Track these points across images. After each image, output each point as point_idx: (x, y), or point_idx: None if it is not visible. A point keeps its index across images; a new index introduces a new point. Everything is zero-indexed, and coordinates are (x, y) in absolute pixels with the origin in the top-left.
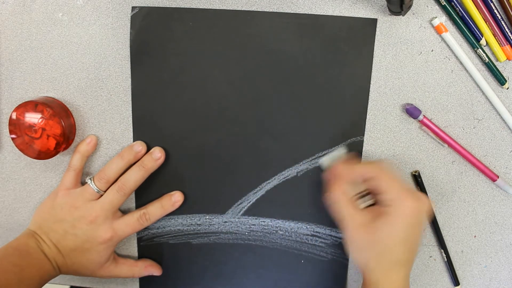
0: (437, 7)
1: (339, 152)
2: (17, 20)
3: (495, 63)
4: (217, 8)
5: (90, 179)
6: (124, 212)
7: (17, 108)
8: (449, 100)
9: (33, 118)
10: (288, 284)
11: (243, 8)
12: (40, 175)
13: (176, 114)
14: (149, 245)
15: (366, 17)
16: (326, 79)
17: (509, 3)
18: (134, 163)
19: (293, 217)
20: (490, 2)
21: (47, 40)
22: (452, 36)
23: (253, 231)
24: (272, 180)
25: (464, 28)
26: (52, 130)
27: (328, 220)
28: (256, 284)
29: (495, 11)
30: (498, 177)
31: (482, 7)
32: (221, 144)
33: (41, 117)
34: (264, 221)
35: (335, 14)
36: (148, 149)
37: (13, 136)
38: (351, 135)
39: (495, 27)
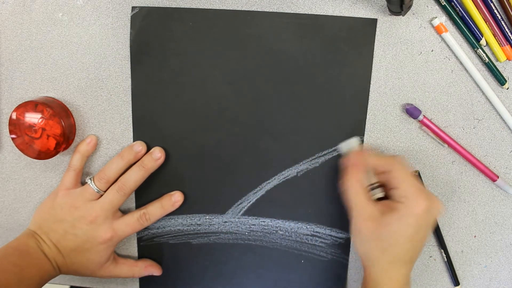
0: (437, 7)
1: (356, 140)
2: (17, 20)
3: (495, 63)
4: (217, 8)
5: (90, 179)
6: (124, 212)
7: (17, 108)
8: (449, 100)
9: (33, 118)
10: (288, 284)
11: (243, 8)
12: (40, 175)
13: (176, 114)
14: (149, 245)
15: (366, 17)
16: (326, 79)
17: (509, 3)
18: (134, 163)
19: (293, 217)
20: (490, 2)
21: (47, 40)
22: (452, 36)
23: (253, 231)
24: (272, 180)
25: (464, 28)
26: (52, 130)
27: (328, 220)
28: (256, 284)
29: (495, 11)
30: (498, 177)
31: (482, 7)
32: (221, 144)
33: (41, 117)
34: (264, 221)
35: (335, 14)
36: (148, 149)
37: (13, 136)
38: (351, 135)
39: (495, 27)
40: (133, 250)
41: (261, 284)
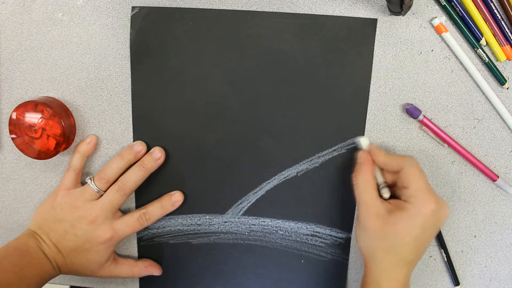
0: (437, 7)
1: (366, 139)
2: (17, 20)
3: (495, 63)
4: (217, 8)
5: (90, 179)
6: (124, 212)
7: (17, 108)
8: (449, 100)
9: (33, 118)
10: (288, 284)
11: (243, 8)
12: (40, 175)
13: (176, 114)
14: (149, 245)
15: (366, 17)
16: (326, 79)
17: (509, 3)
18: (134, 163)
19: (293, 217)
20: (490, 2)
21: (47, 40)
22: (452, 36)
23: (253, 231)
24: (272, 180)
25: (464, 28)
26: (52, 130)
27: (328, 220)
28: (256, 284)
29: (495, 11)
30: (498, 177)
31: (482, 7)
32: (221, 144)
33: (41, 117)
34: (264, 221)
35: (335, 14)
36: (148, 149)
37: (13, 136)
38: (351, 135)
39: (495, 27)
40: (133, 250)
41: (261, 284)
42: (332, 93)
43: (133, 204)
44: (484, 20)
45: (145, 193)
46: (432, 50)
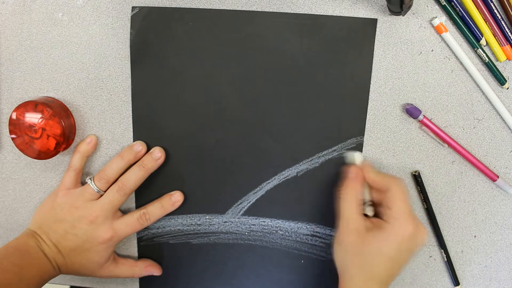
0: (437, 7)
1: (359, 155)
2: (17, 20)
3: (495, 63)
4: (217, 8)
5: (90, 179)
6: (124, 212)
7: (17, 108)
8: (449, 100)
9: (33, 118)
10: (288, 284)
11: (243, 8)
12: (40, 175)
13: (176, 114)
14: (149, 245)
15: (366, 17)
16: (326, 79)
17: (509, 3)
18: (134, 163)
19: (293, 217)
20: (490, 2)
21: (47, 40)
22: (452, 36)
23: (253, 231)
24: (272, 180)
25: (464, 28)
26: (52, 130)
27: (328, 220)
28: (256, 284)
29: (495, 11)
30: (498, 177)
31: (482, 7)
32: (221, 144)
33: (41, 117)
34: (264, 221)
35: (335, 14)
36: (148, 149)
37: (13, 136)
38: (351, 135)
39: (495, 27)
40: (133, 250)
41: (261, 284)
42: (332, 93)
43: (133, 204)
44: (484, 20)
45: (145, 193)
46: (432, 50)
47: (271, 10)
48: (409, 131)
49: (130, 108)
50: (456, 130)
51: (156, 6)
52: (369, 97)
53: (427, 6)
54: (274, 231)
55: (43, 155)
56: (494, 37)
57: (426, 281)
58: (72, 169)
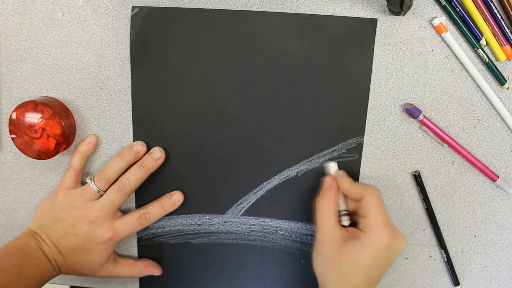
0: (437, 7)
1: (334, 165)
2: (17, 20)
3: (495, 63)
4: (217, 8)
5: (90, 179)
6: (124, 212)
7: (17, 108)
8: (449, 100)
9: (33, 118)
10: (288, 284)
11: (243, 8)
12: (40, 175)
13: (176, 114)
14: (149, 245)
15: (366, 17)
16: (326, 79)
17: (509, 3)
18: (134, 163)
19: (293, 217)
20: (490, 2)
21: (47, 40)
22: (452, 36)
23: (253, 231)
24: (272, 180)
25: (464, 28)
26: (52, 130)
27: None
28: (256, 284)
29: (495, 11)
30: (498, 177)
31: (482, 7)
32: (221, 144)
33: (41, 117)
34: (264, 221)
35: (335, 14)
36: (148, 149)
37: (13, 136)
38: (351, 135)
39: (495, 27)
40: (133, 250)
41: (261, 284)
42: (332, 93)
43: (133, 204)
44: (484, 20)
45: (145, 193)
46: (432, 50)
47: (271, 10)
48: (409, 131)
49: (130, 108)
50: (456, 130)
51: (156, 6)
52: (369, 97)
53: (427, 6)
54: (274, 231)
55: (43, 155)
56: (494, 37)
57: (426, 281)
58: (72, 169)
